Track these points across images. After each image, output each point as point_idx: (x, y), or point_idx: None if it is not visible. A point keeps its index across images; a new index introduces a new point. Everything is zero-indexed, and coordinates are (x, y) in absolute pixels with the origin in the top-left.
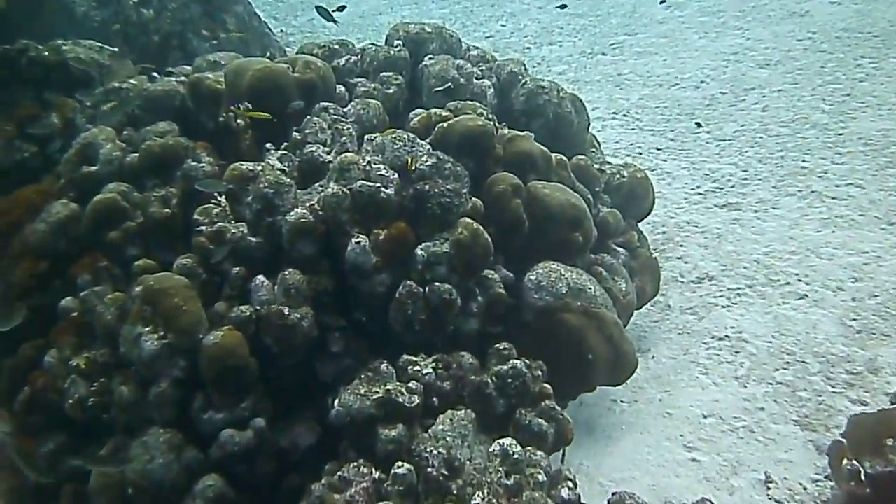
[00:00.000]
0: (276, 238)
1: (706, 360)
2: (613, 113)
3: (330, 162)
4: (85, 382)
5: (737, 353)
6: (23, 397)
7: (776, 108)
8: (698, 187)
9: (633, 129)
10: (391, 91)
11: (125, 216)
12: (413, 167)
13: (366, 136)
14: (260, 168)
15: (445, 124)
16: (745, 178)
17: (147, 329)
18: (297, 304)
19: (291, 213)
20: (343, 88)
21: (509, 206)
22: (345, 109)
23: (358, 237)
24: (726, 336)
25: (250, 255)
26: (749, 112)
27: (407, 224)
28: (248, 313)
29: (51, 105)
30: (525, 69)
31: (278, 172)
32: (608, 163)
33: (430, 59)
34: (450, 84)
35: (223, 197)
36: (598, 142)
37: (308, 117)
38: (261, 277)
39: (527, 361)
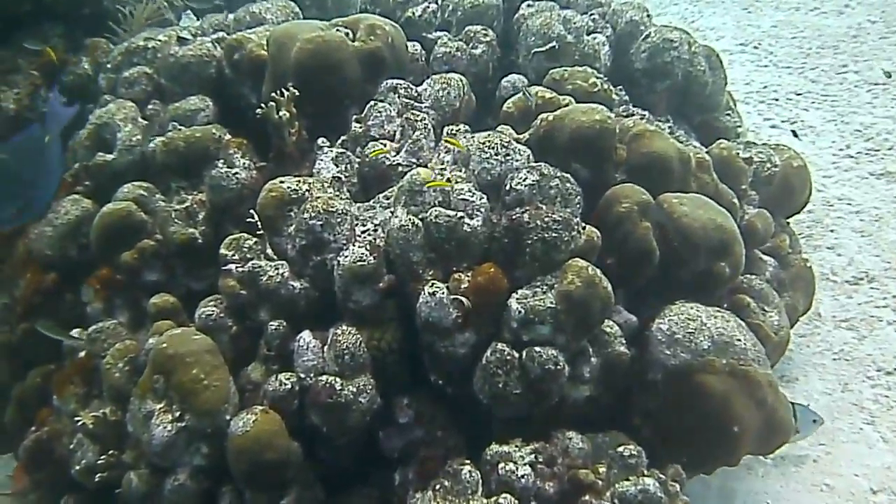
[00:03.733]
0: (327, 281)
1: (871, 402)
2: (741, 45)
3: (398, 165)
4: (94, 445)
5: None
6: (28, 443)
7: None
8: (848, 147)
9: (765, 65)
10: (479, 52)
11: (142, 231)
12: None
13: (446, 130)
14: (306, 187)
15: (550, 117)
16: None
17: (159, 407)
18: (353, 373)
19: (346, 254)
20: (419, 47)
21: (635, 233)
22: (420, 88)
23: (433, 285)
24: None
25: (293, 305)
26: None
27: (497, 266)
28: (289, 385)
29: (83, 47)
30: (648, 15)
31: (329, 196)
32: (753, 143)
33: (529, 6)
34: (554, 44)
35: (257, 219)
36: (734, 102)
37: (372, 102)
38: (306, 335)
39: (661, 476)
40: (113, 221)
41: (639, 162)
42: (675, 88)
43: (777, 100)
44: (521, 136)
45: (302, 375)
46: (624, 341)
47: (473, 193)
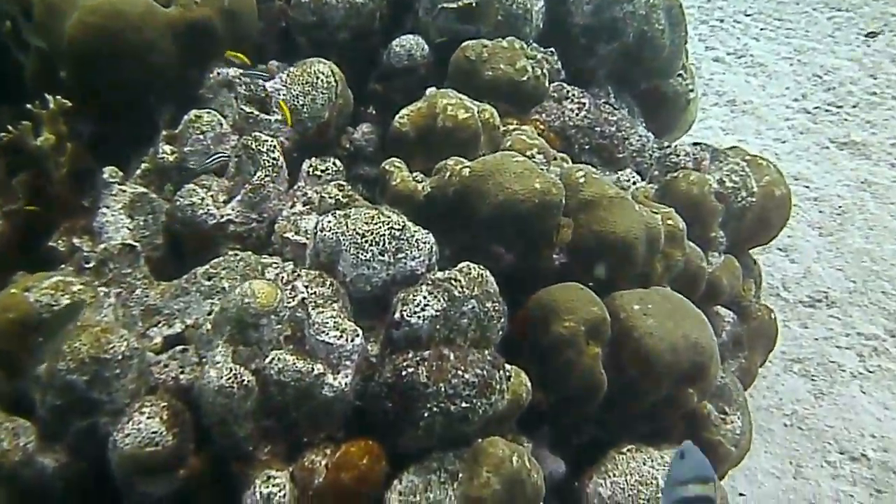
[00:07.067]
0: (99, 448)
1: (831, 497)
2: None
3: (230, 223)
4: None
5: (880, 492)
6: None
7: None
8: (805, 97)
9: None
10: (362, 1)
11: None
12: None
13: (306, 166)
14: (67, 301)
15: (466, 171)
16: (873, 90)
17: None
18: None
19: (127, 430)
20: None
21: (579, 364)
22: (270, 84)
23: (268, 479)
24: (863, 455)
25: (44, 492)
26: None
27: (373, 441)
28: None
29: None
30: None
31: (103, 326)
32: (724, 154)
33: None
34: (472, 0)
35: None
36: (687, 56)
37: (193, 115)
38: None
39: None
40: None
41: (591, 245)
42: (623, 51)
43: (722, 21)
44: (418, 188)
45: None
46: None
47: (341, 332)
